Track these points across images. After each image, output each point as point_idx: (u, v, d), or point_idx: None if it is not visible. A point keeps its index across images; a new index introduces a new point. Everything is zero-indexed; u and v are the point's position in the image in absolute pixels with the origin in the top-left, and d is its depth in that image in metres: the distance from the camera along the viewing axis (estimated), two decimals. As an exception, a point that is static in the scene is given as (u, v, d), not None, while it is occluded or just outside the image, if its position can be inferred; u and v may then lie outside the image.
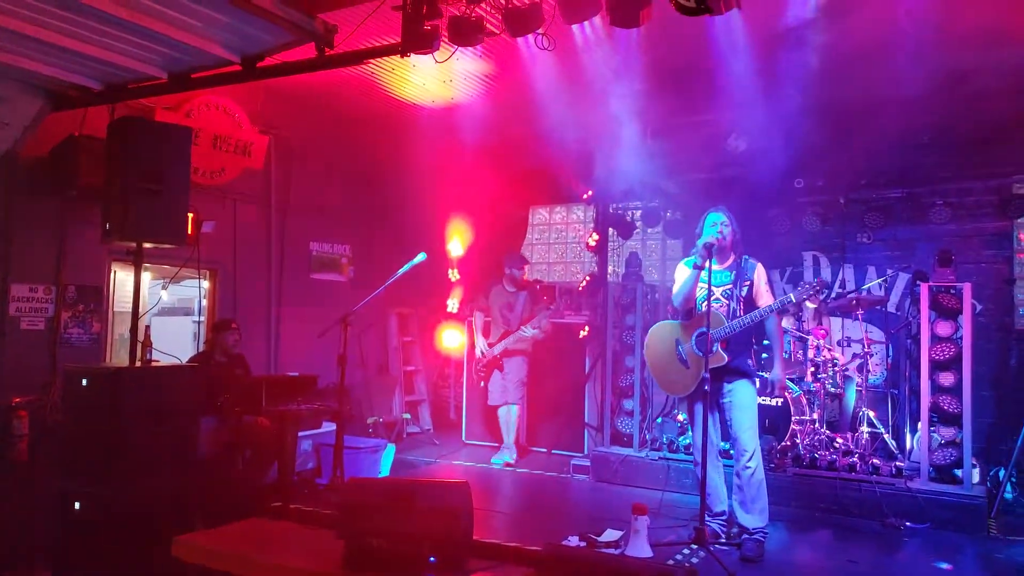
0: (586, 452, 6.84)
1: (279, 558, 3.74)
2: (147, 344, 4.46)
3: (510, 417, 6.93)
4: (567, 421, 7.21)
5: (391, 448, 6.11)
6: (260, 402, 5.40)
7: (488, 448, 7.25)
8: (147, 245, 4.49)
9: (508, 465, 6.73)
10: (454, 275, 8.22)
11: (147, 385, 4.33)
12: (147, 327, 4.60)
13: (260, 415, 5.53)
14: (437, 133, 7.28)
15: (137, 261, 4.48)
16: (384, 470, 6.00)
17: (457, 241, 8.26)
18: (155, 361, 4.53)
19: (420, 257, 5.45)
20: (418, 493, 3.84)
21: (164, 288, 6.32)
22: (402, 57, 4.01)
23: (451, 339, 7.85)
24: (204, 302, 6.62)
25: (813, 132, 6.14)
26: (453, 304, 8.08)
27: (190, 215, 5.14)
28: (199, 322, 6.61)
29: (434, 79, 6.47)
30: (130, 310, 4.60)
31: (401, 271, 5.44)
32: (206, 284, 6.72)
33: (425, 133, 7.28)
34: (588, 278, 7.45)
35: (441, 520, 3.71)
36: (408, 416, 7.99)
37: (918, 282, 6.00)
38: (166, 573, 3.97)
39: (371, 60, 4.42)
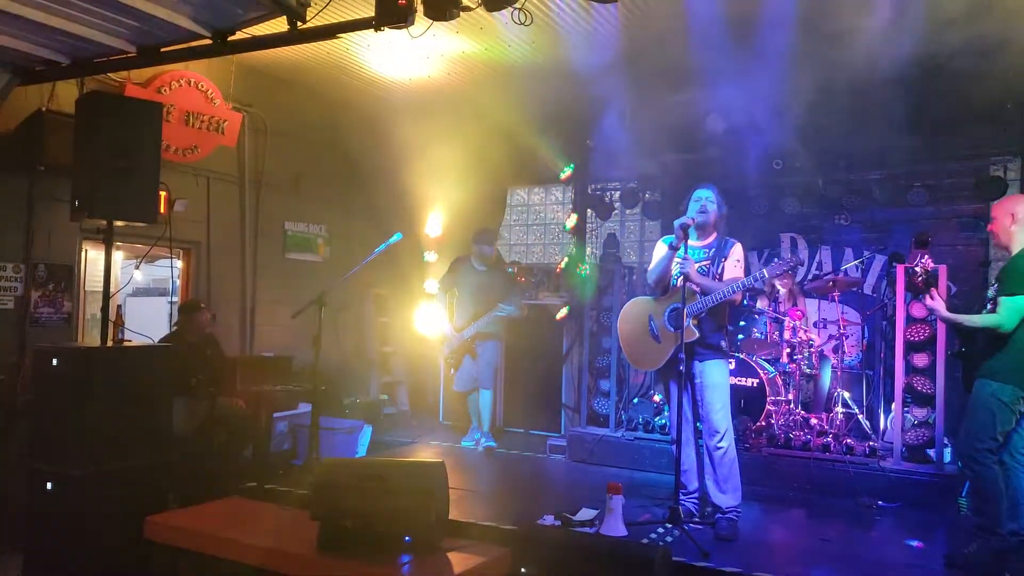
0: (563, 432, 6.86)
1: (253, 538, 3.72)
2: (118, 323, 4.39)
3: (482, 403, 6.50)
4: (544, 402, 7.22)
5: (368, 429, 6.09)
6: (235, 383, 5.36)
7: (465, 429, 7.24)
8: (118, 223, 4.40)
9: (490, 450, 6.40)
10: (432, 256, 8.18)
11: (118, 365, 4.27)
12: (119, 306, 4.52)
13: (235, 396, 5.50)
14: (414, 112, 7.21)
15: (107, 239, 4.40)
16: (361, 451, 5.97)
17: (435, 222, 8.21)
18: (127, 341, 4.46)
19: (396, 237, 5.40)
20: (393, 473, 3.83)
21: (137, 268, 6.20)
22: (376, 31, 3.94)
23: (428, 320, 7.81)
24: (178, 282, 6.52)
25: (792, 113, 6.15)
26: (431, 285, 8.04)
27: (162, 193, 5.07)
28: (174, 303, 6.52)
29: (411, 56, 6.39)
30: (102, 289, 4.52)
31: (377, 251, 5.38)
32: (179, 264, 6.62)
33: (402, 112, 7.20)
34: (566, 260, 7.44)
35: (416, 500, 3.70)
36: (386, 397, 7.97)
37: (894, 264, 6.05)
38: (139, 553, 3.95)
39: (345, 34, 4.33)
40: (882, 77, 5.66)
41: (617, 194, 7.88)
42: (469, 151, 7.29)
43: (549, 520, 4.35)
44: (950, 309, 4.24)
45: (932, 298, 4.08)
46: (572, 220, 7.41)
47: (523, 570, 3.36)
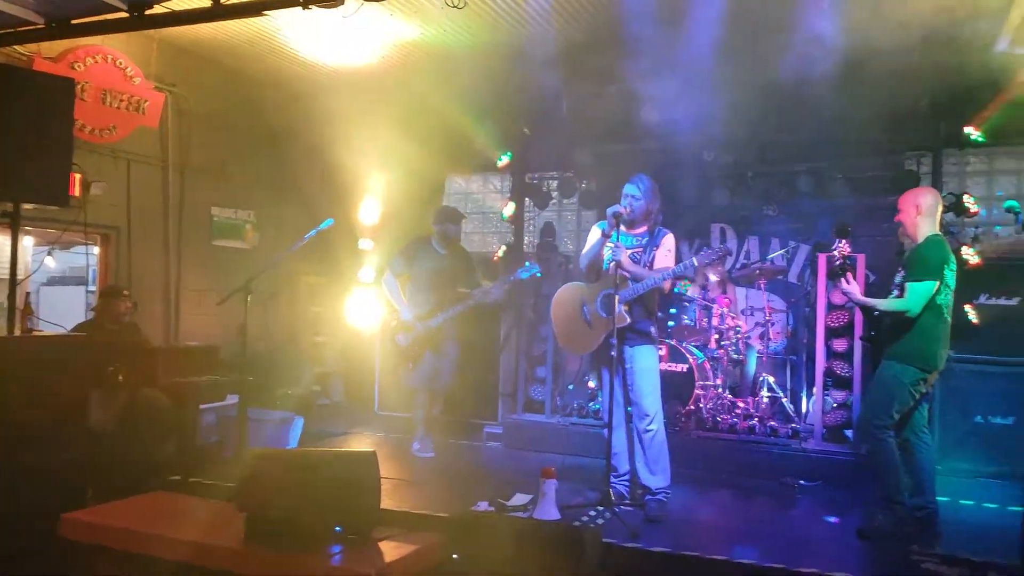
0: (500, 420, 6.87)
1: (176, 532, 3.60)
2: (27, 312, 4.18)
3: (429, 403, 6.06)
4: (482, 390, 7.20)
5: (300, 420, 5.97)
6: (157, 374, 5.17)
7: (402, 419, 7.18)
8: (26, 206, 4.18)
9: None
10: (367, 243, 8.07)
11: (27, 355, 4.07)
12: (27, 295, 4.31)
13: (157, 387, 5.31)
14: (350, 97, 7.08)
15: (14, 223, 4.18)
16: (292, 443, 5.86)
17: (370, 209, 8.09)
18: (37, 331, 4.25)
19: (327, 223, 5.29)
20: (323, 464, 3.78)
21: (49, 254, 5.91)
22: (304, 9, 3.84)
23: (363, 308, 7.70)
24: (96, 270, 6.26)
25: (723, 106, 6.27)
26: (366, 273, 7.93)
27: (76, 175, 4.84)
28: (93, 292, 6.25)
29: (345, 39, 6.26)
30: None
31: (307, 237, 5.27)
32: (97, 250, 6.35)
33: (337, 96, 7.06)
34: (504, 248, 7.44)
35: (347, 490, 3.66)
36: (318, 388, 7.84)
37: (817, 253, 6.25)
38: (54, 554, 3.78)
39: (273, 13, 4.20)
40: (808, 73, 5.81)
41: (555, 183, 7.92)
42: (405, 137, 7.20)
43: (483, 506, 4.36)
44: (868, 296, 4.42)
45: (847, 282, 4.24)
46: (510, 209, 7.41)
47: (455, 556, 3.35)
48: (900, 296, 4.12)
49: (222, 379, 5.55)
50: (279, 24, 6.01)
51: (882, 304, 4.18)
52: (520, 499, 4.47)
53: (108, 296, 5.45)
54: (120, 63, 5.94)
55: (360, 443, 6.43)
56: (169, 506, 4.15)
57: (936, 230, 4.24)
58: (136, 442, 5.09)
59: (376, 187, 8.05)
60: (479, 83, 6.85)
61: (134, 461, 4.92)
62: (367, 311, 7.70)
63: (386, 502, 4.06)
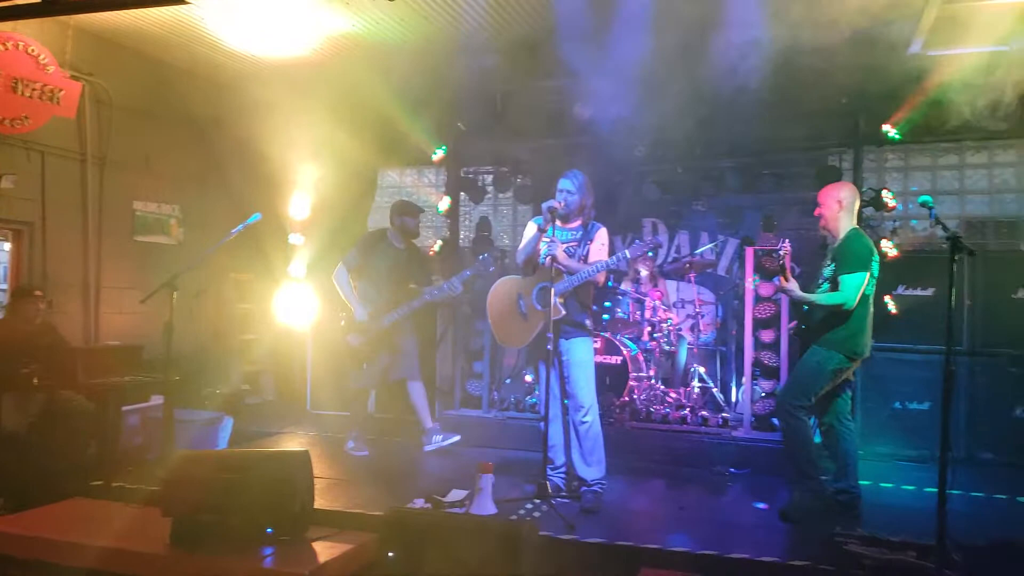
0: (436, 416, 6.81)
1: (96, 539, 3.46)
2: (-70, 312, 3.93)
3: (418, 396, 5.84)
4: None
5: (229, 420, 5.80)
6: (76, 375, 4.95)
7: (336, 417, 7.07)
8: (-72, 199, 3.94)
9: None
10: (297, 238, 7.90)
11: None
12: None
13: (76, 389, 5.08)
14: (280, 88, 6.90)
15: (-84, 217, 3.93)
16: (222, 443, 5.69)
17: (301, 203, 7.92)
18: (-58, 331, 4.01)
19: (255, 217, 5.15)
20: (254, 464, 3.69)
21: (-45, 250, 5.60)
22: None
23: (294, 305, 7.53)
24: (7, 267, 5.94)
25: (653, 102, 6.35)
26: (296, 268, 7.76)
27: (-16, 167, 4.58)
28: (4, 290, 5.93)
29: (274, 30, 6.09)
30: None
31: (234, 232, 5.12)
32: (8, 247, 6.02)
33: (267, 88, 6.87)
34: (440, 243, 7.39)
35: (278, 491, 3.58)
36: (248, 386, 7.64)
37: (745, 247, 6.42)
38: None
39: (197, 1, 4.06)
40: (735, 71, 5.94)
41: (490, 178, 7.90)
42: (338, 130, 7.07)
43: (419, 504, 4.33)
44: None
45: (787, 280, 4.36)
46: (445, 203, 7.35)
47: (390, 555, 3.31)
48: (832, 289, 4.26)
49: (145, 379, 5.36)
50: (202, 12, 5.81)
51: (821, 299, 4.30)
52: (456, 495, 4.45)
53: (18, 296, 5.19)
54: (32, 50, 5.64)
55: (292, 442, 6.29)
56: (87, 512, 3.99)
57: (855, 223, 4.41)
58: (54, 447, 4.87)
59: (307, 181, 7.88)
60: (414, 77, 6.76)
61: (51, 467, 4.70)
62: (298, 307, 7.54)
63: (319, 502, 4.00)
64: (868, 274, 4.19)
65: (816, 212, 4.50)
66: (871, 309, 4.32)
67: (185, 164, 7.47)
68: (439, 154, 7.34)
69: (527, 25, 5.92)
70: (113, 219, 6.77)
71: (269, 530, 3.46)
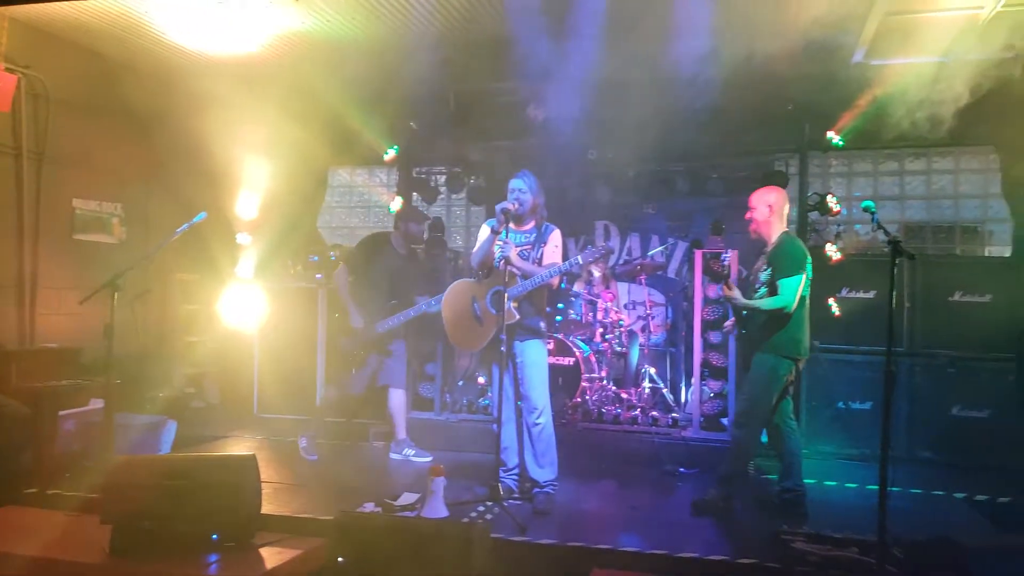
0: (386, 419, 6.74)
1: (30, 549, 3.33)
2: None
3: (397, 405, 5.76)
4: (367, 389, 7.03)
5: (172, 425, 5.65)
6: (10, 378, 4.77)
7: (283, 420, 6.94)
8: None
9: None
10: (245, 238, 7.73)
11: None
12: None
13: (10, 393, 4.89)
14: (228, 85, 6.74)
15: None
16: (165, 448, 5.54)
17: (249, 202, 7.76)
18: None
19: (200, 216, 5.02)
20: (198, 469, 3.59)
21: None
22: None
23: (241, 306, 7.37)
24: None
25: (606, 106, 6.42)
26: (244, 268, 7.60)
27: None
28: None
29: (221, 26, 5.96)
30: None
31: (179, 231, 4.98)
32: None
33: (214, 84, 6.70)
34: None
35: (224, 496, 3.50)
36: (192, 389, 7.44)
37: (694, 250, 6.51)
38: None
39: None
40: (686, 77, 6.03)
41: (443, 178, 7.87)
42: (288, 128, 6.95)
43: (369, 507, 4.28)
44: (740, 289, 4.63)
45: (730, 288, 4.43)
46: (397, 203, 7.29)
47: (340, 559, 3.26)
48: (771, 294, 4.34)
49: (84, 383, 5.19)
50: (146, 7, 5.65)
51: (763, 304, 4.38)
52: (408, 498, 4.41)
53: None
54: (-37, 40, 5.42)
55: (239, 447, 6.15)
56: (21, 521, 3.84)
57: (785, 227, 4.51)
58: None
59: (255, 180, 7.72)
60: (365, 75, 6.69)
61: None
62: (245, 309, 7.38)
63: (267, 507, 3.93)
64: (804, 276, 4.30)
65: (747, 216, 4.59)
66: (808, 309, 4.43)
67: (128, 161, 7.24)
68: (391, 154, 7.29)
69: (480, 26, 5.90)
70: (51, 217, 6.52)
71: (214, 536, 3.37)
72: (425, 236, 5.89)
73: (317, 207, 8.93)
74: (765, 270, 4.42)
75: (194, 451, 5.74)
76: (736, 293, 4.43)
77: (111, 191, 7.11)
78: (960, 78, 5.08)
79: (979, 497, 4.89)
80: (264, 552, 3.41)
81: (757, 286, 4.47)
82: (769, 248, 4.47)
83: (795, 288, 4.25)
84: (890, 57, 5.61)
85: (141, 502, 3.32)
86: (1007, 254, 6.63)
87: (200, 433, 6.37)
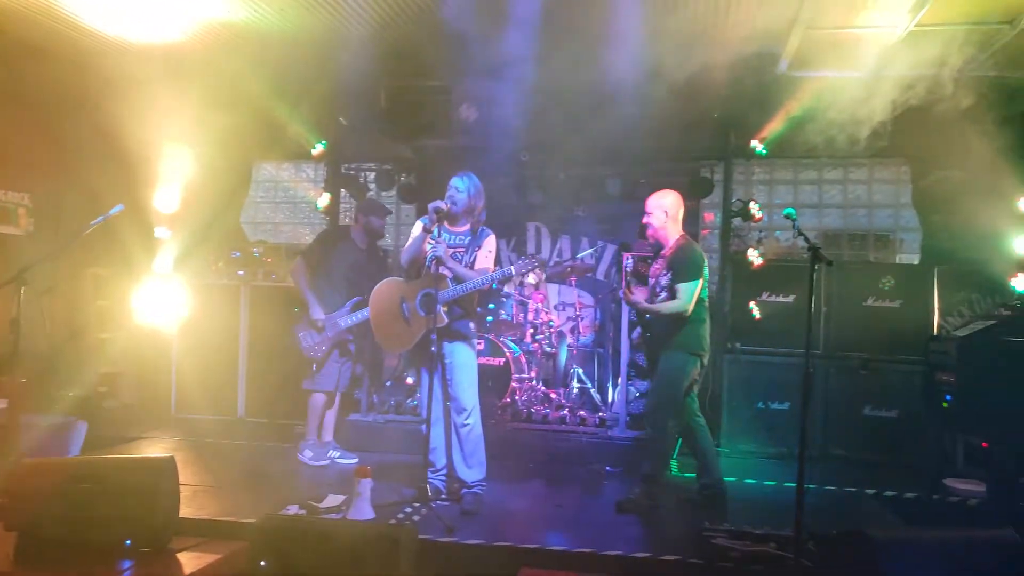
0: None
1: (-80, 561, 3.12)
2: None
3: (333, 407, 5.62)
4: (292, 389, 6.87)
5: (83, 425, 5.39)
6: (-99, 377, 4.45)
7: (204, 420, 6.71)
8: None
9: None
10: (163, 232, 7.44)
11: None
12: None
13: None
14: (146, 74, 6.47)
15: None
16: (75, 450, 5.28)
17: (168, 195, 7.47)
18: None
19: (116, 209, 4.79)
20: (110, 472, 3.45)
21: None
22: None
23: (158, 302, 7.08)
24: None
25: (539, 109, 6.45)
26: (162, 263, 7.31)
27: None
28: None
29: (140, 12, 5.71)
30: None
31: (94, 223, 4.75)
32: None
33: (131, 72, 6.43)
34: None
35: (139, 500, 3.37)
36: (105, 388, 7.11)
37: (623, 252, 6.62)
38: None
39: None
40: (616, 82, 6.12)
41: (372, 175, 7.76)
42: (211, 120, 6.71)
43: (293, 510, 4.18)
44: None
45: (632, 292, 4.51)
46: (325, 200, 7.15)
47: (263, 563, 3.17)
48: (670, 298, 4.46)
49: (-14, 381, 4.88)
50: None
51: (663, 308, 4.50)
52: (333, 500, 4.33)
53: None
54: None
55: (155, 448, 5.92)
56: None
57: (680, 231, 4.64)
58: None
59: (176, 172, 7.45)
60: (294, 69, 6.55)
61: None
62: (163, 305, 7.10)
63: (185, 510, 3.78)
64: (701, 280, 4.44)
65: (644, 221, 4.68)
66: (708, 308, 4.61)
67: (37, 149, 6.86)
68: (319, 149, 7.14)
69: (413, 23, 5.84)
70: (-51, 205, 6.13)
71: (128, 542, 3.23)
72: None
73: (241, 202, 8.68)
74: (665, 274, 4.53)
75: (107, 453, 5.49)
76: (638, 297, 4.53)
77: (17, 180, 6.73)
78: (875, 93, 5.32)
79: (888, 493, 5.13)
80: (182, 557, 3.30)
81: (659, 290, 4.58)
82: (668, 252, 4.58)
83: (692, 292, 4.40)
84: (812, 70, 5.83)
85: (48, 507, 3.16)
86: (916, 261, 6.99)
87: (113, 434, 6.10)
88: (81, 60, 6.53)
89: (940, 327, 5.98)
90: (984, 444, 5.02)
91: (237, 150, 7.45)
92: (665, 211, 4.59)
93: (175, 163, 7.33)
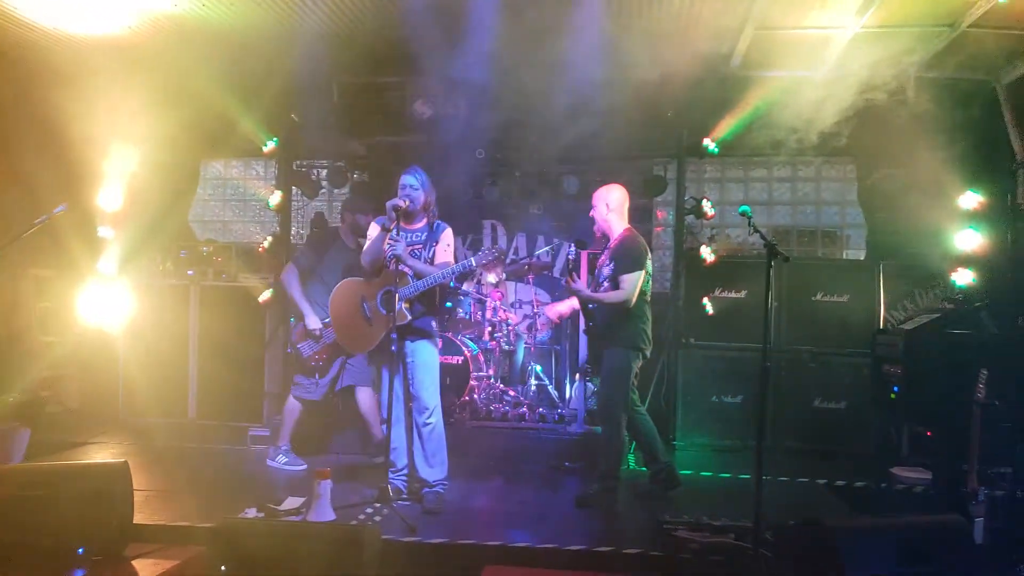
0: (265, 421, 6.50)
1: None
2: None
3: (371, 402, 5.41)
4: (245, 390, 6.77)
5: (25, 432, 5.19)
6: None
7: (155, 424, 6.52)
8: None
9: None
10: (107, 231, 7.20)
11: None
12: None
13: None
14: (88, 68, 6.26)
15: None
16: (17, 457, 5.08)
17: (112, 194, 7.23)
18: None
19: (59, 208, 4.62)
20: (61, 479, 3.34)
21: None
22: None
23: (103, 304, 6.85)
24: None
25: (495, 107, 6.45)
26: (106, 264, 7.08)
27: None
28: None
29: (84, 4, 5.52)
30: None
31: (36, 223, 4.58)
32: None
33: (72, 66, 6.21)
34: (270, 239, 7.03)
35: (91, 506, 3.26)
36: (48, 393, 6.85)
37: (579, 249, 6.66)
38: None
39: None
40: (571, 81, 6.14)
41: (324, 172, 7.65)
42: (158, 117, 6.51)
43: (251, 513, 4.10)
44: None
45: (573, 281, 4.57)
46: (276, 197, 7.01)
47: (223, 568, 3.10)
48: (613, 287, 4.53)
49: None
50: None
51: (606, 298, 4.56)
52: (292, 503, 4.27)
53: None
54: None
55: (103, 453, 5.74)
56: None
57: (626, 224, 4.72)
58: None
59: (120, 170, 7.22)
60: (244, 64, 6.41)
61: None
62: (108, 306, 6.87)
63: (139, 516, 3.68)
64: (644, 272, 4.52)
65: (590, 214, 4.79)
66: (649, 303, 4.69)
67: (-30, 145, 6.58)
68: (270, 146, 7.00)
69: (367, 18, 5.77)
70: None
71: (80, 550, 3.13)
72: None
73: (189, 200, 8.46)
74: (609, 265, 4.60)
75: (52, 459, 5.30)
76: (580, 285, 4.58)
77: (-50, 177, 6.44)
78: (824, 92, 5.45)
79: (839, 482, 5.27)
80: (137, 564, 3.22)
81: (602, 280, 4.65)
82: (612, 245, 4.67)
83: (635, 282, 4.47)
84: (763, 70, 5.94)
85: (-3, 516, 3.03)
86: (862, 257, 7.20)
87: (58, 439, 5.91)
88: (19, 54, 6.28)
89: (886, 321, 6.17)
90: (928, 433, 5.21)
91: (185, 147, 7.24)
92: (607, 204, 4.70)
93: (120, 161, 7.10)
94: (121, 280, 6.94)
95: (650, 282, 4.65)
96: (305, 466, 5.36)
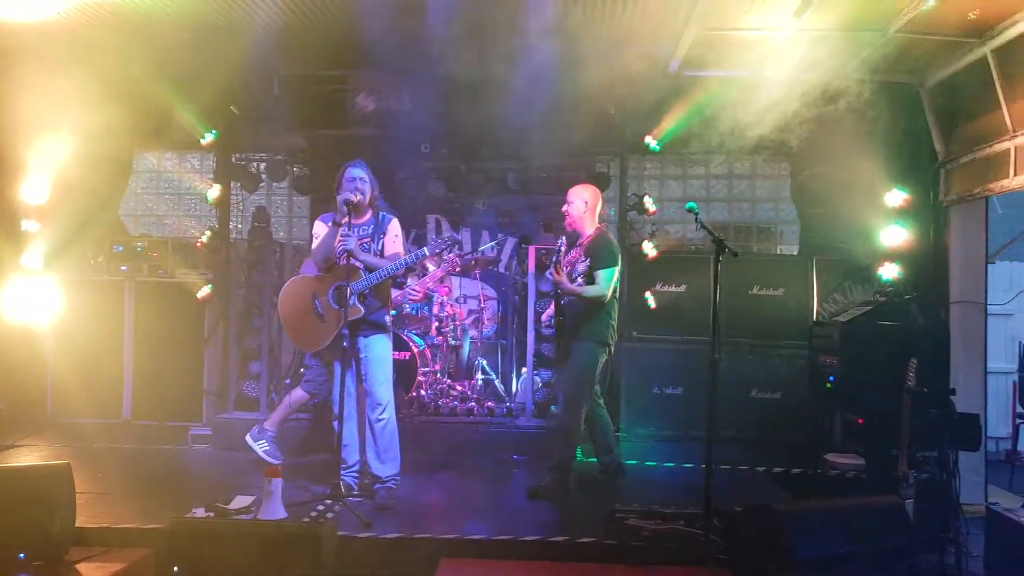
0: (205, 420, 6.34)
1: None
2: None
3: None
4: (183, 389, 6.57)
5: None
6: None
7: (89, 424, 6.27)
8: None
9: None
10: (32, 225, 6.87)
11: None
12: None
13: None
14: (16, 55, 5.96)
15: None
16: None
17: (37, 186, 6.91)
18: None
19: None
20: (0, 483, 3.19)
21: None
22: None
23: (28, 300, 6.54)
24: None
25: (440, 102, 6.43)
26: (30, 259, 6.76)
27: None
28: None
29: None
30: None
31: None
32: None
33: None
34: (209, 233, 6.84)
35: (30, 510, 3.14)
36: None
37: (524, 245, 6.72)
38: None
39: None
40: (516, 78, 6.17)
41: (264, 165, 7.49)
42: (87, 107, 6.25)
43: (200, 513, 4.00)
44: None
45: (558, 273, 4.63)
46: (215, 191, 6.82)
47: (175, 569, 3.03)
48: (587, 283, 4.62)
49: None
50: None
51: (586, 291, 4.63)
52: (242, 501, 4.19)
53: None
54: None
55: (33, 455, 5.50)
56: None
57: (597, 223, 4.83)
58: None
59: (46, 161, 6.90)
60: (180, 54, 6.20)
61: None
62: (33, 303, 6.56)
63: (81, 519, 3.55)
64: (617, 269, 4.63)
65: (563, 209, 4.87)
66: (618, 300, 4.81)
67: None
68: (208, 138, 6.81)
69: (310, 9, 5.67)
70: None
71: (21, 555, 3.01)
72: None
73: (120, 194, 8.13)
74: (584, 261, 4.68)
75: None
76: (563, 278, 4.65)
77: None
78: (761, 92, 5.62)
79: (776, 469, 5.47)
80: (82, 568, 3.13)
81: (575, 276, 4.71)
82: (585, 241, 4.76)
83: (611, 278, 4.59)
84: (703, 69, 6.09)
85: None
86: (795, 252, 7.47)
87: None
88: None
89: (818, 313, 6.42)
90: (860, 420, 5.46)
91: (117, 138, 6.97)
92: (585, 201, 4.77)
93: (46, 152, 6.79)
94: (48, 276, 6.65)
95: (620, 280, 4.73)
96: (280, 460, 5.20)
